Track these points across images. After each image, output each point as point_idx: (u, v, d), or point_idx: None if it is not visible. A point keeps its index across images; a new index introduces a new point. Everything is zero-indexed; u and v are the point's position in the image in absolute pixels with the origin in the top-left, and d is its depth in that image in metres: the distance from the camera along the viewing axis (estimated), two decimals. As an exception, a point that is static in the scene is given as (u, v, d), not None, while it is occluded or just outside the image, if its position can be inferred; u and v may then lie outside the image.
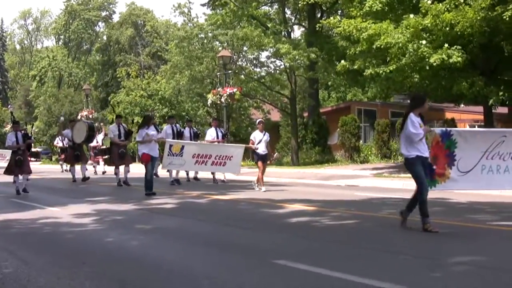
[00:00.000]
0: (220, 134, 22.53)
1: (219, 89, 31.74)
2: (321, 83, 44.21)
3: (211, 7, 41.47)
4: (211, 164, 19.49)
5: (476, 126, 37.38)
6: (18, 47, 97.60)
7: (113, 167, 22.16)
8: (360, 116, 39.70)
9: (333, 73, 33.57)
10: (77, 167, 24.57)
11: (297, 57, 32.48)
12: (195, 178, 23.86)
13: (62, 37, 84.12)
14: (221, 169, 20.37)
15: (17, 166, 19.16)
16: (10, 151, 37.98)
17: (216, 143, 21.65)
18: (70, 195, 18.59)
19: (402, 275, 7.10)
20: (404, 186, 19.40)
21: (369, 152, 33.29)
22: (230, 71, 33.87)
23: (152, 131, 17.77)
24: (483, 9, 18.96)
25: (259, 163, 18.70)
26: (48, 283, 7.15)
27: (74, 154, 24.30)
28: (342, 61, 24.24)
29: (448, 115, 35.21)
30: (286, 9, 40.45)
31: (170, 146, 18.71)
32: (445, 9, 19.44)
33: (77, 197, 17.26)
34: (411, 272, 7.24)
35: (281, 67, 39.59)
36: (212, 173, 22.44)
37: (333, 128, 36.25)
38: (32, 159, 34.43)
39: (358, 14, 22.55)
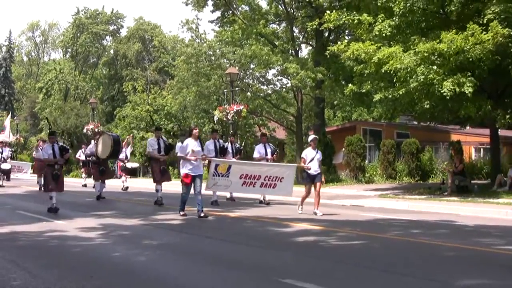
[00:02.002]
0: (269, 151, 20.58)
1: (225, 106, 31.82)
2: (327, 102, 44.33)
3: (219, 24, 41.67)
4: (260, 186, 17.70)
5: (482, 149, 37.45)
6: (25, 59, 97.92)
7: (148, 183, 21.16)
8: (365, 136, 39.67)
9: (339, 93, 33.67)
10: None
11: (304, 78, 32.66)
12: (231, 198, 21.67)
13: (69, 50, 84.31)
14: (271, 191, 18.30)
15: (54, 181, 17.47)
16: (29, 164, 37.18)
17: (264, 161, 19.92)
18: (76, 208, 18.55)
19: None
20: (409, 207, 19.44)
21: (374, 173, 33.27)
22: (237, 88, 33.97)
23: (197, 147, 16.05)
24: (498, 34, 19.03)
25: (309, 185, 16.93)
26: (56, 296, 7.20)
27: (100, 170, 22.30)
28: (350, 85, 24.26)
29: (454, 137, 35.20)
30: (294, 27, 40.64)
31: (216, 165, 17.04)
32: (462, 39, 19.49)
33: (83, 211, 17.28)
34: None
35: (288, 85, 39.73)
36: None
37: (338, 147, 36.24)
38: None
39: (367, 37, 22.62)
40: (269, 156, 20.42)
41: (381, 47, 21.58)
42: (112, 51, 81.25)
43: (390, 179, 32.00)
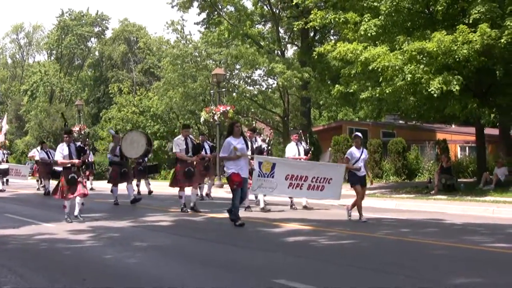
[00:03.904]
0: (302, 150, 18.36)
1: (212, 107, 31.84)
2: (313, 102, 44.49)
3: (205, 26, 41.70)
4: (307, 188, 15.70)
5: (467, 147, 37.68)
6: (9, 61, 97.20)
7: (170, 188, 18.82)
8: (351, 135, 39.78)
9: (325, 92, 33.81)
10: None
11: (291, 77, 32.80)
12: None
13: (54, 52, 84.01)
14: (318, 194, 16.08)
15: (70, 186, 15.08)
16: (27, 167, 35.40)
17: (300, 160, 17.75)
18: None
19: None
20: (397, 206, 19.53)
21: (361, 172, 33.35)
22: (223, 89, 34.01)
23: (241, 144, 14.19)
24: (485, 35, 19.18)
25: (357, 186, 15.11)
26: (50, 300, 7.20)
27: (121, 172, 20.40)
28: (337, 86, 24.40)
29: (440, 136, 35.44)
30: (279, 28, 40.75)
31: (260, 163, 15.22)
32: (451, 40, 19.65)
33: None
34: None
35: (274, 85, 39.88)
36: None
37: (325, 147, 36.36)
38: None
39: (353, 37, 22.73)
40: (302, 156, 18.20)
41: (368, 47, 21.70)
42: (97, 53, 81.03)
43: (377, 178, 32.11)
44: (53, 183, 25.42)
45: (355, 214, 15.31)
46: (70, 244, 11.52)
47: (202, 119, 33.49)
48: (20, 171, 33.89)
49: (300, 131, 20.17)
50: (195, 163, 18.15)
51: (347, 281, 8.03)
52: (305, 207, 18.35)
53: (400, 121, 36.59)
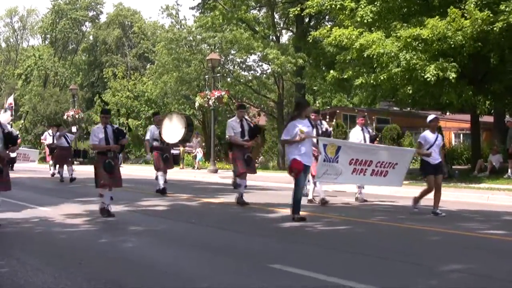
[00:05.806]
0: (367, 137, 16.40)
1: (206, 92, 31.80)
2: (307, 88, 44.47)
3: (200, 10, 41.56)
4: (371, 174, 14.29)
5: (462, 134, 37.76)
6: (3, 45, 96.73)
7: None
8: (345, 121, 39.83)
9: (319, 79, 33.77)
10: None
11: (285, 63, 32.77)
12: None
13: (48, 36, 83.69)
14: (381, 180, 14.79)
15: (108, 174, 13.02)
16: (36, 151, 33.79)
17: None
18: (60, 195, 18.39)
19: (400, 282, 7.18)
20: (391, 192, 19.51)
21: (356, 158, 33.39)
22: (218, 74, 33.95)
23: (306, 126, 12.34)
24: (477, 20, 19.18)
25: (430, 177, 13.73)
26: (46, 283, 7.18)
27: (163, 157, 18.25)
28: (332, 71, 24.37)
29: (434, 123, 35.44)
30: (275, 13, 40.62)
31: (325, 146, 13.43)
32: (444, 26, 19.65)
33: (68, 197, 17.14)
34: (408, 279, 7.30)
35: (269, 71, 39.81)
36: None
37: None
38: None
39: (348, 23, 22.70)
40: (368, 142, 16.17)
41: (363, 33, 21.68)
42: (91, 37, 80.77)
43: (371, 164, 32.11)
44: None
45: (422, 205, 14.37)
46: (66, 228, 11.52)
47: (196, 104, 33.39)
48: (28, 155, 32.58)
49: (366, 113, 18.66)
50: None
51: (341, 266, 8.05)
52: (365, 200, 16.71)
53: (395, 108, 36.60)
